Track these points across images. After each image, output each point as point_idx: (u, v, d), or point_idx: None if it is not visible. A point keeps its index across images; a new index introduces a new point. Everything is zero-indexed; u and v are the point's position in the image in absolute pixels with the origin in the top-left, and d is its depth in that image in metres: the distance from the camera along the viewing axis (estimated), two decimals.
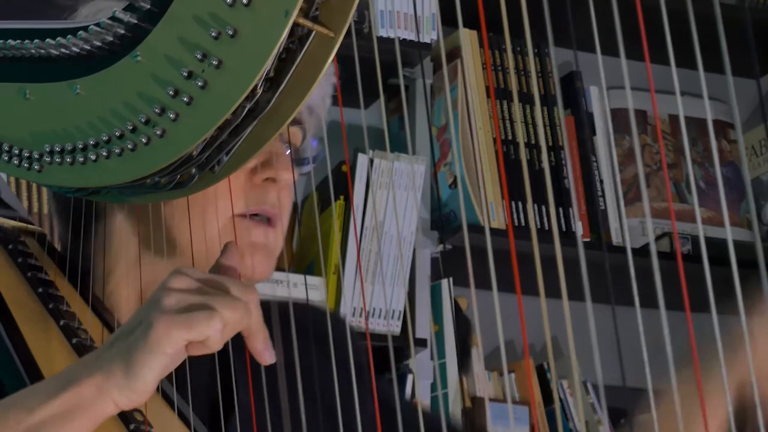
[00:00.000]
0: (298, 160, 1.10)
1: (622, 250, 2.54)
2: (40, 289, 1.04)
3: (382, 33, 2.44)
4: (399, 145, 2.58)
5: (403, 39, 2.50)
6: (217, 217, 1.03)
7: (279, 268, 2.22)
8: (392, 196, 2.40)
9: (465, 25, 2.40)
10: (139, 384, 0.84)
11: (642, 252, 2.47)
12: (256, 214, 1.05)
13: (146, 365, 0.84)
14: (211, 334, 0.84)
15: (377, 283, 2.37)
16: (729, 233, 0.76)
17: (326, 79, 1.06)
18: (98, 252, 1.08)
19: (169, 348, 0.84)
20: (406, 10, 2.51)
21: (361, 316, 2.35)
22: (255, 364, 0.93)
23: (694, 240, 2.55)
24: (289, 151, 1.08)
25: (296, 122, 1.09)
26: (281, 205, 1.06)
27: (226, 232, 1.04)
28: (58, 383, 0.86)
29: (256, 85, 0.86)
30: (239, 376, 1.04)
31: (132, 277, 1.07)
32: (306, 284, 2.32)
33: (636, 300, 0.76)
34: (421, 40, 2.51)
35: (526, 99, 2.68)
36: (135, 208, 1.06)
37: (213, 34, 0.85)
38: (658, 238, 2.53)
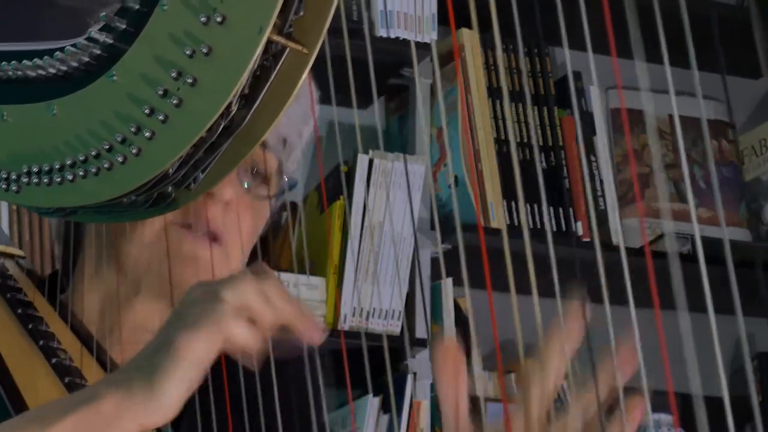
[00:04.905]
0: (270, 182, 1.06)
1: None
2: (20, 311, 1.04)
3: (382, 33, 2.45)
4: (399, 146, 2.57)
5: (403, 39, 2.49)
6: (150, 223, 1.00)
7: (279, 268, 2.25)
8: (392, 196, 2.40)
9: (467, 26, 2.40)
10: (163, 398, 0.81)
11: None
12: (189, 226, 1.02)
13: (170, 378, 0.80)
14: (233, 331, 0.81)
15: (377, 283, 2.37)
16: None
17: (301, 106, 1.04)
18: (77, 268, 1.08)
19: (190, 354, 0.80)
20: (406, 10, 2.51)
21: (360, 315, 2.36)
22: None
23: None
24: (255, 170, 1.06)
25: (267, 148, 1.06)
26: (222, 221, 1.02)
27: (159, 239, 1.02)
28: (80, 398, 0.84)
29: (230, 102, 0.86)
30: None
31: (93, 286, 1.06)
32: (306, 284, 2.33)
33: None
34: (421, 40, 2.50)
35: (519, 98, 2.68)
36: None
37: (188, 52, 0.85)
38: (656, 239, 2.52)
